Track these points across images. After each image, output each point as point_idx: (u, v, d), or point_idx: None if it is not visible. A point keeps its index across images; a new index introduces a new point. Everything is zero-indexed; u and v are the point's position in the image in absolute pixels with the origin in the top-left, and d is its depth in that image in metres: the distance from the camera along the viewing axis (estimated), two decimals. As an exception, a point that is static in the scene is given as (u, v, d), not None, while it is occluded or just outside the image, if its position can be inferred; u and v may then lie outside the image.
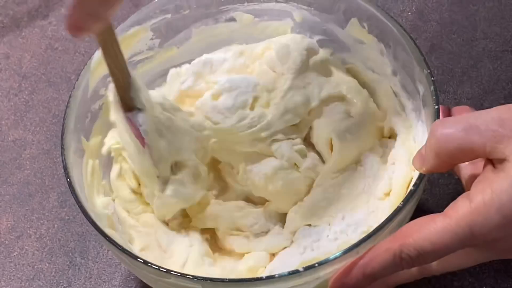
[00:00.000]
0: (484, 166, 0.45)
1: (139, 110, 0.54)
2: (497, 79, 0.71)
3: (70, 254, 0.65)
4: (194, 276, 0.47)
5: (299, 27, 0.64)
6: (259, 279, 0.47)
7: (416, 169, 0.49)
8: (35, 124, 0.74)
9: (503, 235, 0.43)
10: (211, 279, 0.47)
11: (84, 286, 0.63)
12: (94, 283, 0.63)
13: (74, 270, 0.64)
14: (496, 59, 0.73)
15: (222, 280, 0.47)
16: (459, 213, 0.43)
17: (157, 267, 0.48)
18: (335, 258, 0.46)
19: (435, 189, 0.65)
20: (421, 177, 0.49)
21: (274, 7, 0.64)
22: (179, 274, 0.47)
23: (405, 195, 0.49)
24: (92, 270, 0.64)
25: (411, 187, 0.49)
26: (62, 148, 0.54)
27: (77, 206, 0.66)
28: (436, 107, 0.51)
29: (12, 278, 0.64)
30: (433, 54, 0.74)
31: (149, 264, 0.48)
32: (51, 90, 0.77)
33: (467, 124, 0.44)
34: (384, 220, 0.47)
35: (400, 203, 0.48)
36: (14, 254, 0.66)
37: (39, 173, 0.71)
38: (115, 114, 0.55)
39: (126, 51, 0.61)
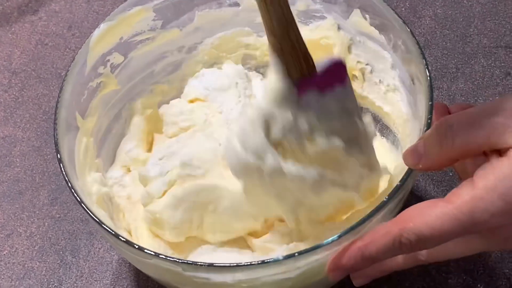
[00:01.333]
0: (490, 155, 0.44)
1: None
2: (491, 75, 0.71)
3: (61, 252, 0.65)
4: (175, 259, 0.47)
5: (302, 15, 0.64)
6: (239, 265, 0.47)
7: (409, 166, 0.48)
8: (25, 121, 0.74)
9: (504, 222, 0.43)
10: (192, 263, 0.47)
11: (75, 285, 0.63)
12: (85, 282, 0.63)
13: (65, 269, 0.63)
14: (490, 55, 0.73)
15: (202, 264, 0.47)
16: (461, 198, 0.43)
17: (137, 247, 0.48)
18: (317, 248, 0.46)
19: (429, 186, 0.65)
20: (408, 172, 0.48)
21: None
22: (161, 256, 0.47)
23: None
24: (83, 268, 0.63)
25: (398, 182, 0.48)
26: (55, 123, 0.54)
27: (68, 204, 0.67)
28: (430, 103, 0.51)
29: (2, 277, 0.64)
30: (426, 50, 0.73)
31: (131, 244, 0.48)
32: (41, 87, 0.76)
33: (470, 119, 0.44)
34: (367, 215, 0.47)
35: (385, 198, 0.47)
36: (4, 252, 0.65)
37: (30, 171, 0.70)
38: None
39: (127, 31, 0.62)
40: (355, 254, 0.47)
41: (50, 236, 0.66)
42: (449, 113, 0.54)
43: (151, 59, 0.65)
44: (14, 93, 0.76)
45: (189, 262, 0.47)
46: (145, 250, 0.48)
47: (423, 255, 0.49)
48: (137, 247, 0.48)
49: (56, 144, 0.53)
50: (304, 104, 0.50)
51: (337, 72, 0.51)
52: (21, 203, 0.68)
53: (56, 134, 0.54)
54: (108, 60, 0.61)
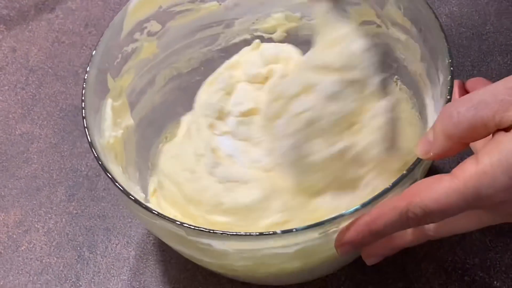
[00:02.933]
0: (496, 133, 0.44)
1: None
2: (507, 73, 0.71)
3: (78, 248, 0.65)
4: (179, 222, 0.48)
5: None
6: (237, 234, 0.47)
7: (420, 156, 0.48)
8: (42, 118, 0.74)
9: (509, 197, 0.43)
10: (195, 227, 0.47)
11: (92, 280, 0.63)
12: (102, 278, 0.63)
13: (82, 265, 0.64)
14: (506, 53, 0.72)
15: (203, 230, 0.47)
16: (466, 174, 0.43)
17: (145, 207, 0.49)
18: (315, 226, 0.47)
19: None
20: (416, 162, 0.48)
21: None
22: (166, 218, 0.48)
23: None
24: (101, 264, 0.64)
25: (404, 171, 0.48)
26: (85, 81, 0.55)
27: (85, 200, 0.68)
28: (448, 97, 0.51)
29: (20, 272, 0.64)
30: (442, 48, 0.73)
31: (139, 203, 0.49)
32: (58, 84, 0.76)
33: (475, 100, 0.44)
34: (368, 200, 0.47)
35: (389, 185, 0.47)
36: (22, 248, 0.65)
37: (47, 167, 0.70)
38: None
39: (167, 0, 0.63)
40: (362, 228, 0.47)
41: (68, 232, 0.66)
42: (466, 91, 0.54)
43: (188, 31, 0.65)
44: (32, 90, 0.76)
45: (191, 226, 0.48)
46: (153, 211, 0.48)
47: (431, 230, 0.49)
48: (144, 206, 0.49)
49: (83, 101, 0.54)
50: None
51: None
52: (39, 199, 0.68)
53: (84, 92, 0.54)
54: (145, 27, 0.61)
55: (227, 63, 0.65)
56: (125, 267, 0.63)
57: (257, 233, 0.47)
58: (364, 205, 0.47)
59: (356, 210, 0.47)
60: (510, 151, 0.42)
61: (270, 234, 0.47)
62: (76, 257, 0.64)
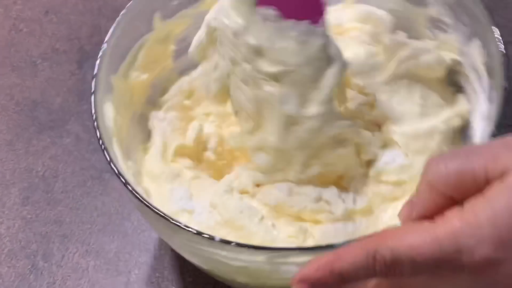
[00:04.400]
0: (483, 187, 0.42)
1: None
2: (500, 72, 0.69)
3: (32, 257, 0.62)
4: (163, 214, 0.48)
5: None
6: (228, 242, 0.47)
7: (403, 220, 0.44)
8: (-4, 113, 0.73)
9: (493, 256, 0.39)
10: (185, 226, 0.47)
11: (47, 293, 0.61)
12: (58, 290, 0.61)
13: (36, 275, 0.61)
14: (499, 52, 0.71)
15: (190, 230, 0.47)
16: (447, 220, 0.40)
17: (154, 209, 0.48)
18: (259, 248, 0.47)
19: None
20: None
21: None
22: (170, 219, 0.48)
23: None
24: (56, 275, 0.61)
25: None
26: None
27: (40, 204, 0.65)
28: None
29: (-33, 282, 0.62)
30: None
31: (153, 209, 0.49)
32: (14, 76, 0.75)
33: (468, 150, 0.42)
34: (312, 246, 0.48)
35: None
36: (-30, 256, 0.63)
37: (0, 167, 0.68)
38: None
39: None
40: (323, 266, 0.43)
41: (21, 238, 0.64)
42: None
43: None
44: (-15, 82, 0.75)
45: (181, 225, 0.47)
46: (156, 210, 0.48)
47: None
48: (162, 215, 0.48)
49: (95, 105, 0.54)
50: (260, 18, 0.50)
51: (310, 5, 0.51)
52: (-11, 202, 0.66)
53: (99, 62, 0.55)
54: None
55: None
56: (83, 279, 0.61)
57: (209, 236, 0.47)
58: (313, 248, 0.48)
59: (304, 249, 0.48)
60: (496, 196, 0.39)
61: (207, 237, 0.47)
62: (29, 267, 0.62)
